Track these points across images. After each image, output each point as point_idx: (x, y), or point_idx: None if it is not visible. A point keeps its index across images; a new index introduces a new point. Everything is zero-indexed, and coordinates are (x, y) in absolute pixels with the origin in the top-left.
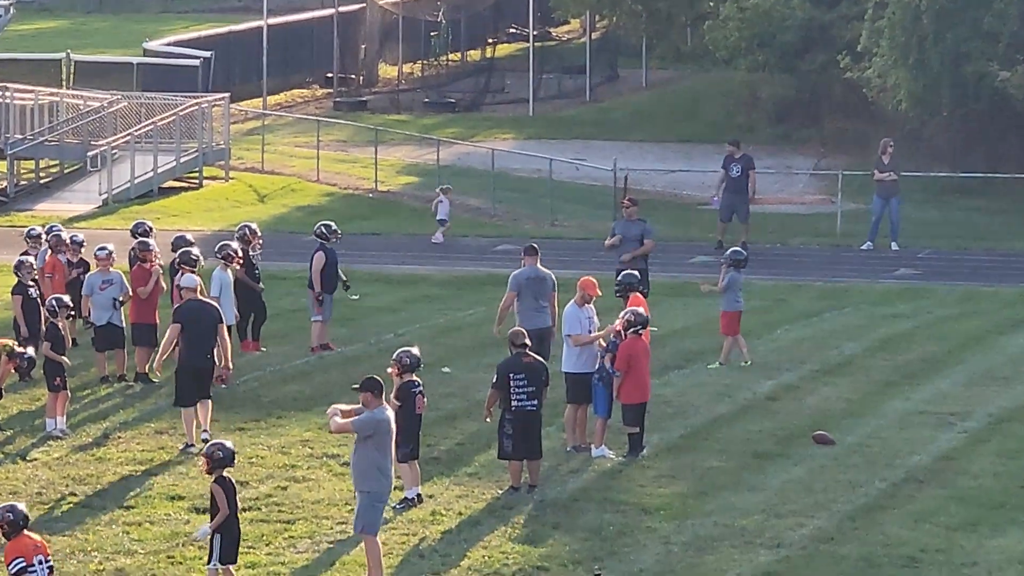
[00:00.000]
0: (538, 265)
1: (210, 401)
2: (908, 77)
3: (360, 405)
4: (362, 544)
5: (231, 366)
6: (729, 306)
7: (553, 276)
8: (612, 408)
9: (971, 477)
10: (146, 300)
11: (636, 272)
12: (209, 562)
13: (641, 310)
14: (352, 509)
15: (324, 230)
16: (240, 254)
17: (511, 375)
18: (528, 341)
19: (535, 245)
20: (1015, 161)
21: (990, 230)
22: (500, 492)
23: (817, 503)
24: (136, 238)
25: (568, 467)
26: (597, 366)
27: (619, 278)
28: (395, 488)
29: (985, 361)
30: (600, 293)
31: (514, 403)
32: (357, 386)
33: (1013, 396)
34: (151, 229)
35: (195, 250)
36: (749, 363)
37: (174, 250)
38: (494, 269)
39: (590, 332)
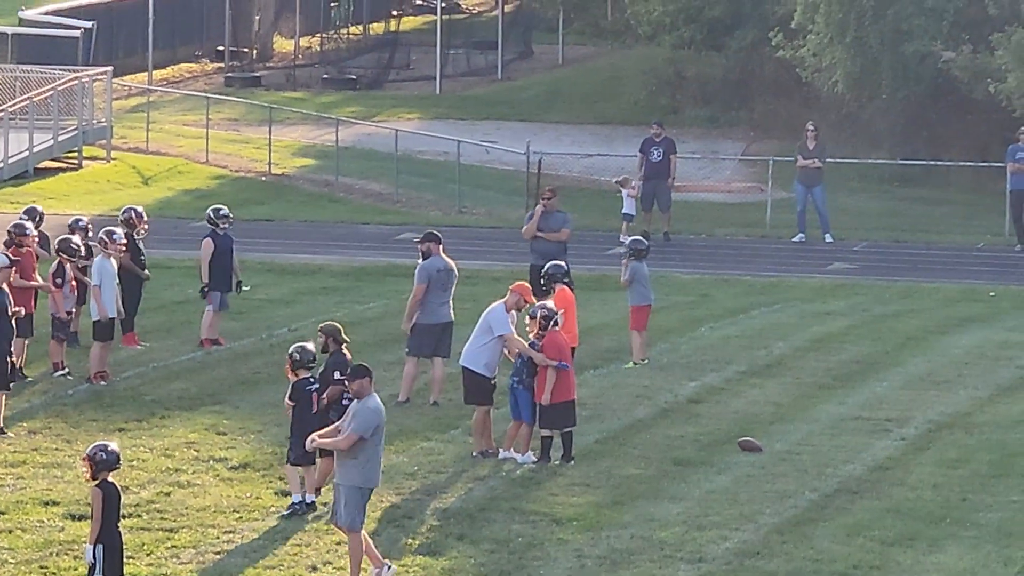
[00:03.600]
0: (443, 255)
1: (3, 395)
2: (845, 56)
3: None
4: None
5: None
6: (636, 300)
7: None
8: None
9: (908, 488)
10: (21, 288)
11: (563, 264)
12: None
13: (550, 303)
14: (241, 517)
15: (212, 215)
16: (123, 240)
17: (336, 372)
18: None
19: (437, 232)
20: (958, 148)
21: (931, 221)
22: (400, 499)
23: (742, 515)
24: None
25: (474, 473)
26: (514, 371)
27: (545, 269)
28: (283, 494)
29: (925, 363)
30: (534, 300)
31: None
32: (345, 376)
33: (954, 401)
34: (42, 217)
35: (76, 238)
36: (645, 361)
37: (71, 234)
38: (396, 259)
39: None
